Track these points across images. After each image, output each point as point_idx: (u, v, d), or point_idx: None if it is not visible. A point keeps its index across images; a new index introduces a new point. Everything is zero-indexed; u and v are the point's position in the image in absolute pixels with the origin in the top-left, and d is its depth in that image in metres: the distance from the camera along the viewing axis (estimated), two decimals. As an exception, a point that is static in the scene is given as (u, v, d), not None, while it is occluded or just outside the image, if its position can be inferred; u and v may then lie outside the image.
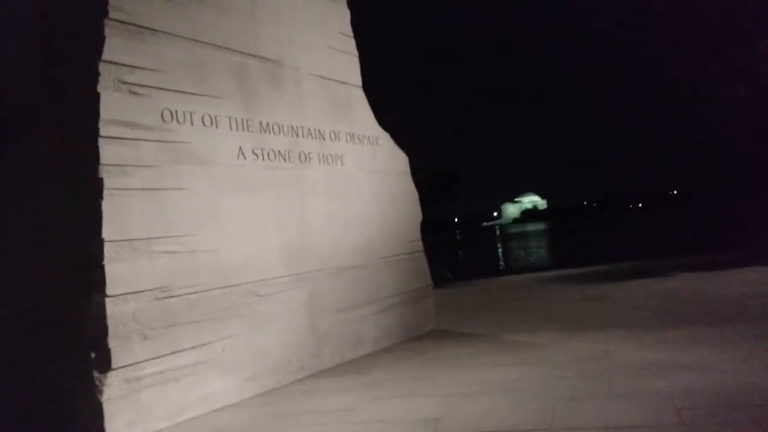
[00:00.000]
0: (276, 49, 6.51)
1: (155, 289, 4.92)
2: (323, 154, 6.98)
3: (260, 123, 6.18)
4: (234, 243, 5.66)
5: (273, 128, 6.32)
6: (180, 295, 5.10)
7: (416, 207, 8.67)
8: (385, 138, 8.15)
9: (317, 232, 6.71)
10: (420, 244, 8.60)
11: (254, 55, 6.22)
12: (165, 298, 4.99)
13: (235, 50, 5.99)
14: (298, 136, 6.64)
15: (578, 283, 12.21)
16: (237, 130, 5.90)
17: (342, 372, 6.30)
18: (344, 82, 7.52)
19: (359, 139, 7.63)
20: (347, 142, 7.41)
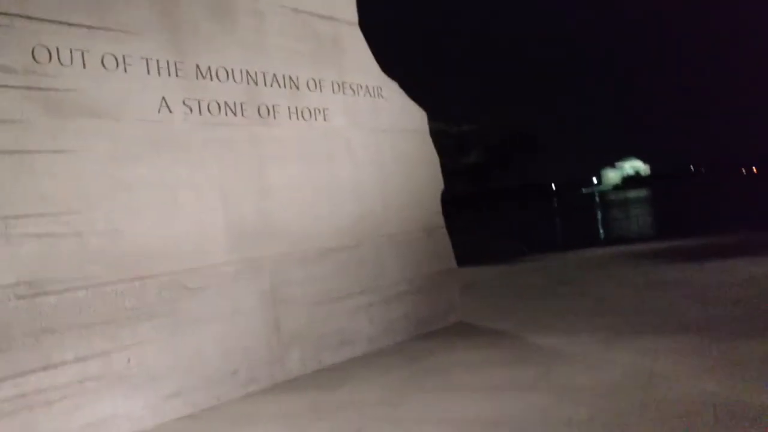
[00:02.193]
0: (224, -27, 5.09)
1: (17, 284, 3.71)
2: (297, 108, 5.54)
3: (197, 67, 4.80)
4: (149, 222, 4.37)
5: (217, 74, 4.94)
6: (58, 292, 3.87)
7: (436, 173, 7.09)
8: (391, 88, 6.60)
9: (285, 206, 5.31)
10: (440, 218, 7.04)
11: (188, -21, 4.83)
12: (33, 296, 3.76)
13: (155, -29, 4.62)
14: (257, 83, 5.23)
15: (663, 262, 10.22)
16: (159, 75, 4.55)
17: (306, 384, 4.94)
18: (330, 17, 6.00)
19: (352, 89, 6.12)
20: (334, 92, 5.92)
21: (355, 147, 6.06)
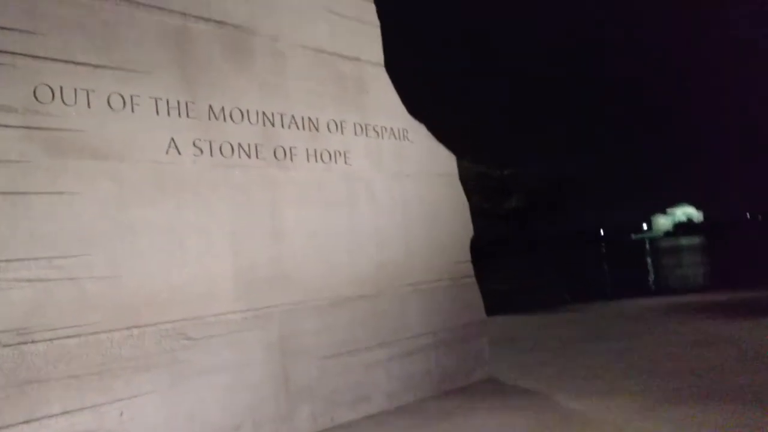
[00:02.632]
0: (242, 11, 4.98)
1: (3, 331, 3.53)
2: (316, 150, 5.34)
3: (210, 107, 4.66)
4: (151, 267, 4.17)
5: (231, 114, 4.78)
6: (48, 340, 3.67)
7: (465, 219, 6.76)
8: (417, 131, 6.36)
9: (298, 252, 5.07)
10: (469, 267, 6.69)
11: (204, 18, 4.71)
12: (19, 344, 3.57)
13: (171, 10, 4.52)
14: (274, 125, 5.05)
15: (715, 316, 9.58)
16: (168, 115, 4.41)
17: (314, 445, 4.60)
18: (355, 58, 5.83)
19: (376, 131, 5.91)
20: (356, 134, 5.71)
21: (377, 191, 5.81)
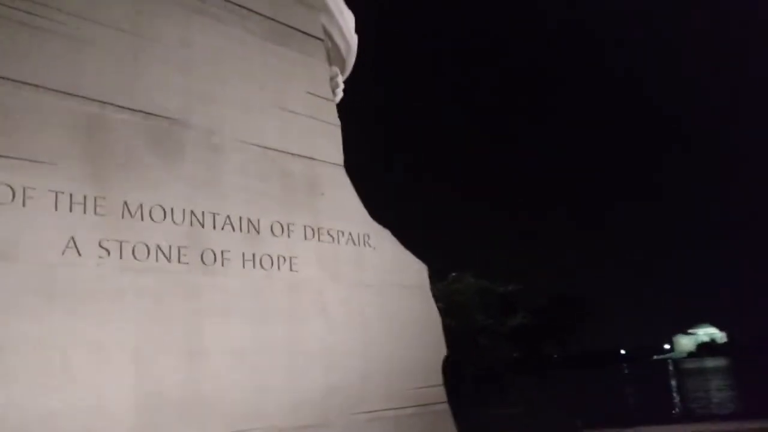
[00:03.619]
0: (174, 103, 4.55)
1: None
2: (254, 255, 4.72)
3: (125, 204, 4.11)
4: (24, 392, 3.45)
5: (152, 213, 4.22)
6: None
7: (436, 337, 6.00)
8: (381, 237, 5.76)
9: (222, 374, 4.32)
10: (441, 392, 5.84)
11: (127, 108, 4.27)
12: None
13: (85, 97, 4.08)
14: (203, 226, 4.48)
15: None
16: (70, 211, 3.86)
17: None
18: (308, 158, 5.35)
19: (331, 235, 5.31)
20: (306, 238, 5.12)
21: (330, 303, 5.12)
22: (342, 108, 6.58)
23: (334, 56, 6.74)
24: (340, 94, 7.09)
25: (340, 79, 6.87)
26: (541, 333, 27.98)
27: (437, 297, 18.09)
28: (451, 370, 17.41)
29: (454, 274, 20.03)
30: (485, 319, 18.51)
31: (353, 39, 7.11)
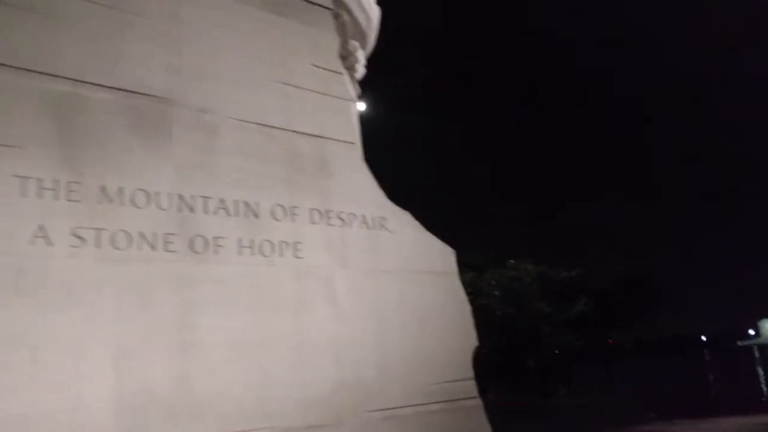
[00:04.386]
0: (160, 80, 4.23)
1: None
2: (253, 241, 4.37)
3: (102, 189, 3.82)
4: (-14, 390, 3.21)
5: (133, 198, 3.92)
6: None
7: (465, 327, 5.50)
8: (400, 220, 5.31)
9: (218, 370, 4.00)
10: (471, 386, 5.36)
11: (105, 86, 3.98)
12: None
13: (56, 75, 3.81)
14: (193, 210, 4.15)
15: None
16: (40, 197, 3.59)
17: None
18: (317, 136, 4.95)
19: (341, 218, 4.91)
20: (313, 222, 4.73)
21: (340, 292, 4.73)
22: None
23: (353, 30, 6.32)
24: (361, 70, 6.66)
25: (361, 54, 6.45)
26: (608, 320, 26.77)
27: (494, 285, 17.48)
28: (511, 360, 16.79)
29: (512, 261, 19.33)
30: (545, 306, 17.74)
31: (374, 11, 6.66)
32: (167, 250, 3.96)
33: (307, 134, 4.88)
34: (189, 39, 4.42)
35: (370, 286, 4.92)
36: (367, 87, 6.98)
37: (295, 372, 4.34)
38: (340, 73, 5.28)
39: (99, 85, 3.93)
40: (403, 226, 5.32)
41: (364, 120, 5.57)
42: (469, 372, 5.40)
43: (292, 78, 4.91)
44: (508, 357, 17.70)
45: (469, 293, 16.39)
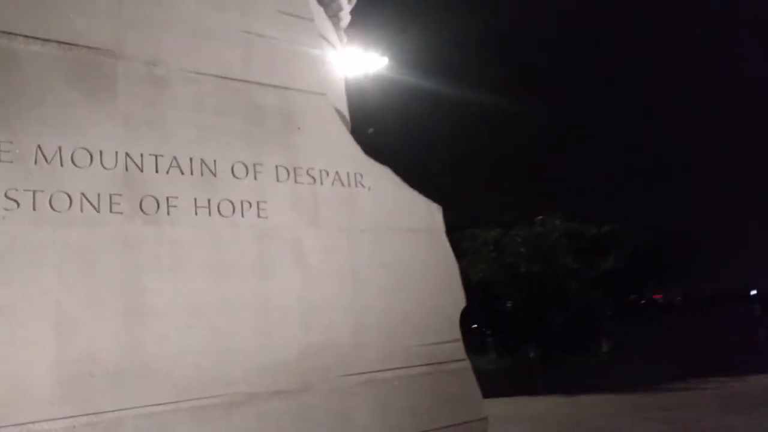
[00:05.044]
0: (104, 31, 3.97)
1: None
2: (209, 201, 4.14)
3: (39, 149, 3.61)
4: None
5: (73, 157, 3.71)
6: None
7: (452, 287, 5.23)
8: (379, 176, 5.02)
9: (171, 335, 3.82)
10: (458, 348, 5.11)
11: (41, 39, 3.74)
12: None
13: (-19, 28, 3.58)
14: (142, 170, 3.93)
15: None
16: (-33, 159, 3.40)
17: None
18: (282, 87, 4.65)
19: (311, 176, 4.63)
20: (279, 180, 4.47)
21: (310, 252, 4.48)
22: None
23: (335, -25, 5.94)
24: (346, 17, 6.29)
25: (344, 1, 6.07)
26: (643, 276, 26.09)
27: (521, 242, 17.11)
28: (538, 317, 16.51)
29: (540, 217, 18.87)
30: (572, 263, 17.30)
31: (358, -47, 6.26)
32: (113, 212, 3.76)
33: (272, 85, 4.59)
34: (139, -14, 4.13)
35: (344, 245, 4.66)
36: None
37: (259, 337, 4.14)
38: (311, 20, 4.94)
39: (33, 37, 3.70)
40: (383, 182, 5.02)
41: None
42: (456, 333, 5.15)
43: (255, 26, 4.60)
44: (534, 314, 17.41)
45: (493, 251, 16.14)
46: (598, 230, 18.91)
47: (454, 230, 18.19)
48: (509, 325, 18.30)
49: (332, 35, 5.97)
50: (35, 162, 3.57)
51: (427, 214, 5.24)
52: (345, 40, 6.49)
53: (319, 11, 5.78)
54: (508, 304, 17.29)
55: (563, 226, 18.18)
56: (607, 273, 17.81)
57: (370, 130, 24.85)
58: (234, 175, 4.26)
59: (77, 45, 3.84)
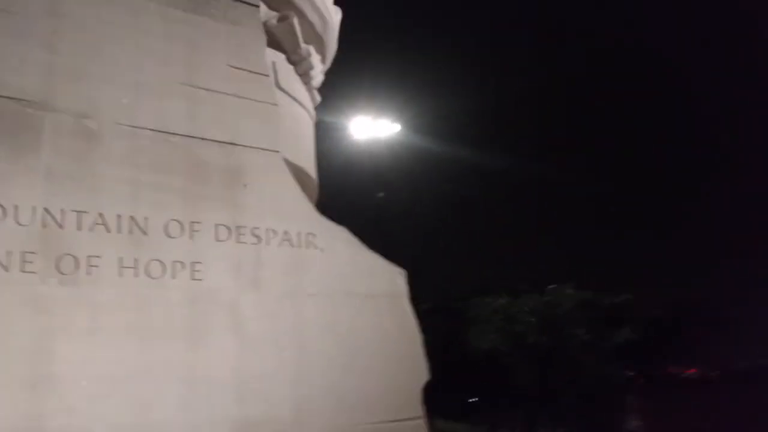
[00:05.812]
0: (32, 83, 3.81)
1: None
2: (137, 261, 3.87)
3: (-56, 201, 3.40)
4: None
5: (-15, 211, 3.49)
6: None
7: (413, 358, 4.83)
8: (334, 236, 4.73)
9: (85, 407, 3.49)
10: (418, 428, 4.67)
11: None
12: None
13: None
14: (62, 227, 3.68)
15: None
16: None
17: None
18: (228, 143, 4.44)
19: (256, 235, 4.36)
20: (219, 239, 4.20)
21: (248, 318, 4.16)
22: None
23: (307, 33, 5.83)
24: (319, 77, 6.15)
25: (316, 60, 5.94)
26: (659, 348, 25.10)
27: (531, 312, 16.53)
28: (547, 391, 15.71)
29: (552, 286, 18.30)
30: (585, 334, 16.61)
31: (331, 13, 6.17)
32: (24, 271, 3.50)
33: (217, 141, 4.38)
34: (71, 37, 4.00)
35: (289, 311, 4.34)
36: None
37: (185, 411, 3.78)
38: (265, 75, 4.78)
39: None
40: (338, 243, 4.73)
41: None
42: (417, 410, 4.72)
43: (202, 80, 4.43)
44: (544, 388, 16.64)
45: (501, 320, 15.54)
46: (612, 300, 18.23)
47: (460, 299, 17.70)
48: (520, 401, 17.50)
49: (302, 93, 5.82)
50: (-62, 215, 3.35)
51: (388, 279, 4.91)
52: (318, 99, 6.34)
53: (287, 69, 5.65)
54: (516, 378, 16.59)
55: (576, 295, 17.57)
56: (620, 345, 17.05)
57: (380, 194, 24.82)
58: (167, 235, 4.01)
59: (2, 96, 3.68)
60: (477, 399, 20.53)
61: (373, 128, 24.26)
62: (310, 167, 5.71)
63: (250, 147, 4.52)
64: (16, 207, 3.57)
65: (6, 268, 3.46)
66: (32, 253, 3.55)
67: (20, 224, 3.56)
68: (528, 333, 16.41)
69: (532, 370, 16.25)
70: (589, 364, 16.53)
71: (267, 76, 4.79)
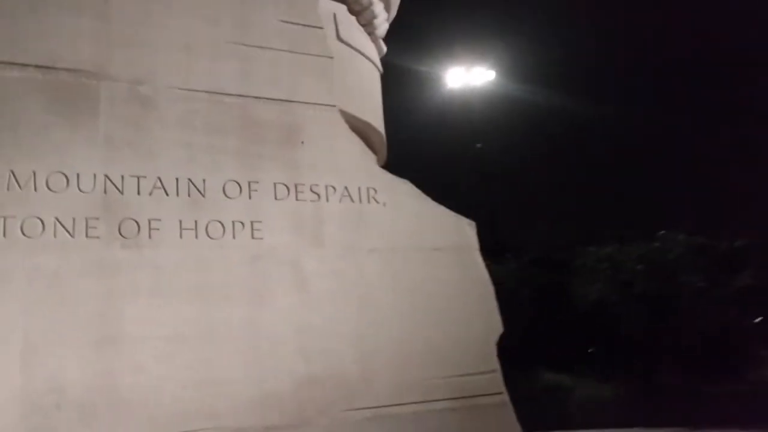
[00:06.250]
0: (85, 53, 3.90)
1: None
2: (197, 222, 3.93)
3: (12, 174, 3.58)
4: None
5: (48, 182, 3.64)
6: None
7: (486, 310, 4.67)
8: (397, 190, 4.60)
9: (147, 366, 3.62)
10: (494, 380, 4.52)
11: (18, 64, 3.72)
12: None
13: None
14: (123, 192, 3.79)
15: None
16: (-63, 186, 3.42)
17: None
18: (284, 101, 4.38)
19: (315, 192, 4.31)
20: (277, 198, 4.19)
21: (310, 275, 4.15)
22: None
23: (369, -19, 5.63)
24: (383, 25, 5.95)
25: (379, 8, 5.73)
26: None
27: (639, 259, 15.74)
28: (660, 341, 15.00)
29: (662, 232, 17.31)
30: (698, 280, 15.62)
31: (393, -43, 5.91)
32: (89, 236, 3.64)
33: (272, 99, 4.34)
34: (121, 4, 4.04)
35: (352, 267, 4.28)
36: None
37: (249, 367, 3.85)
38: (319, 28, 4.65)
39: (8, 62, 3.68)
40: (401, 197, 4.60)
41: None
42: (491, 363, 4.57)
43: (253, 38, 4.38)
44: (658, 339, 15.90)
45: (606, 268, 14.89)
46: (731, 244, 16.99)
47: (564, 249, 17.04)
48: (635, 350, 16.84)
49: (366, 45, 5.64)
50: (7, 188, 3.53)
51: (456, 231, 4.74)
52: (384, 49, 6.14)
53: (349, 20, 5.49)
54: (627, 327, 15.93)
55: (687, 241, 16.52)
56: (741, 291, 15.91)
57: (479, 145, 24.31)
58: (225, 195, 4.03)
59: (56, 68, 3.79)
60: (591, 350, 19.98)
61: (467, 77, 23.73)
62: (376, 121, 5.55)
63: (306, 103, 4.45)
64: (78, 175, 3.69)
65: (71, 234, 3.60)
66: (95, 218, 3.67)
67: (82, 191, 3.69)
68: (636, 281, 15.66)
69: (642, 319, 15.53)
70: (707, 312, 15.58)
71: (321, 28, 4.66)
